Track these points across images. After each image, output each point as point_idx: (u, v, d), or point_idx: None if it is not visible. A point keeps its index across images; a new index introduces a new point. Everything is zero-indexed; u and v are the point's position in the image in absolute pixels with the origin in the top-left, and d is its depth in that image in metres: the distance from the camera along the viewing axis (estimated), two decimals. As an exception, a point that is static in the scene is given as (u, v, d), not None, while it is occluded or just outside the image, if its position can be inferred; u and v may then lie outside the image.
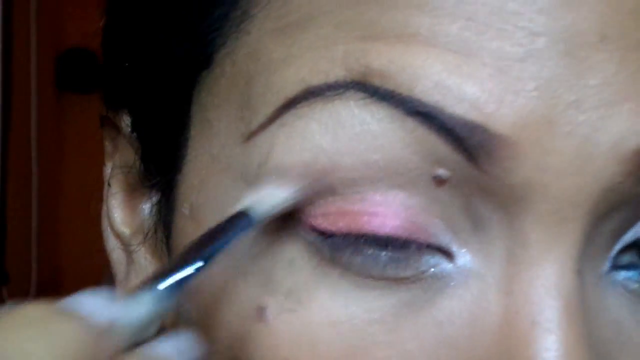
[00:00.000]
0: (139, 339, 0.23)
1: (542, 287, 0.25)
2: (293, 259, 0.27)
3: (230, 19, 0.29)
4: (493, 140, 0.25)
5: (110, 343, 0.21)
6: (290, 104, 0.27)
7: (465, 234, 0.26)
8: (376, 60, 0.25)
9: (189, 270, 0.25)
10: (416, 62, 0.25)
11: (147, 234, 0.34)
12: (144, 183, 0.34)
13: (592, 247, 0.26)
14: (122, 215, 0.35)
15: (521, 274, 0.26)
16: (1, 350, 0.19)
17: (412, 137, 0.25)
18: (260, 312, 0.27)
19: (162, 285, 0.24)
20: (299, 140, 0.26)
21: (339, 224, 0.26)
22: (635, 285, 0.28)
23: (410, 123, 0.25)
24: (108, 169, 0.36)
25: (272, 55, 0.27)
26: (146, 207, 0.34)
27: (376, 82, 0.25)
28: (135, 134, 0.34)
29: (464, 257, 0.27)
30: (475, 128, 0.25)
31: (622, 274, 0.28)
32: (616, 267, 0.28)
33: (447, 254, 0.27)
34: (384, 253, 0.26)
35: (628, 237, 0.27)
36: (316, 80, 0.26)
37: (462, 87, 0.25)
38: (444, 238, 0.26)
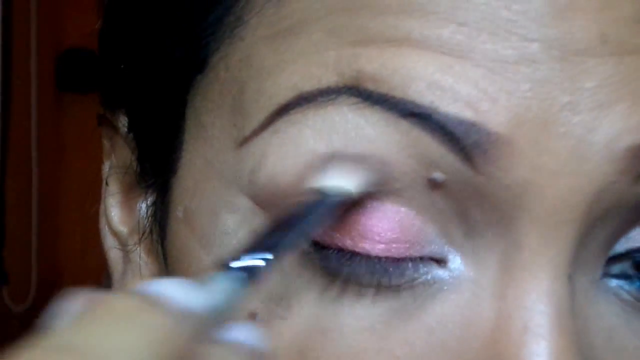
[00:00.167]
0: (216, 327, 0.22)
1: (534, 292, 0.25)
2: (284, 266, 0.27)
3: (224, 24, 0.29)
4: (488, 138, 0.25)
5: (196, 331, 0.21)
6: (283, 111, 0.27)
7: (459, 239, 0.26)
8: (368, 64, 0.25)
9: (264, 257, 0.24)
10: (408, 64, 0.25)
11: (143, 234, 0.34)
12: (140, 183, 0.34)
13: (585, 252, 0.26)
14: (120, 214, 0.35)
15: (514, 279, 0.26)
16: (99, 346, 0.18)
17: (407, 139, 0.25)
18: (251, 318, 0.27)
19: (236, 272, 0.23)
20: (292, 146, 0.26)
21: (333, 239, 0.26)
22: (627, 296, 0.28)
23: (405, 125, 0.25)
24: (106, 168, 0.36)
25: (265, 61, 0.27)
26: (142, 207, 0.34)
27: (369, 86, 0.25)
28: (131, 134, 0.34)
29: (457, 263, 0.27)
30: (470, 127, 0.25)
31: (615, 282, 0.28)
32: (608, 275, 0.28)
33: (440, 261, 0.27)
34: (376, 262, 0.26)
35: (620, 246, 0.27)
36: (308, 86, 0.26)
37: (455, 87, 0.25)
38: (438, 244, 0.26)
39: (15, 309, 1.51)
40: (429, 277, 0.27)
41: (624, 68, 0.25)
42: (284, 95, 0.27)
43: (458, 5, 0.25)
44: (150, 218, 0.34)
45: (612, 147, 0.25)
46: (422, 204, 0.26)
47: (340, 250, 0.26)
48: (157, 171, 0.33)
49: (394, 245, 0.26)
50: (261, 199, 0.27)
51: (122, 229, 0.35)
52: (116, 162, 0.36)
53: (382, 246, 0.26)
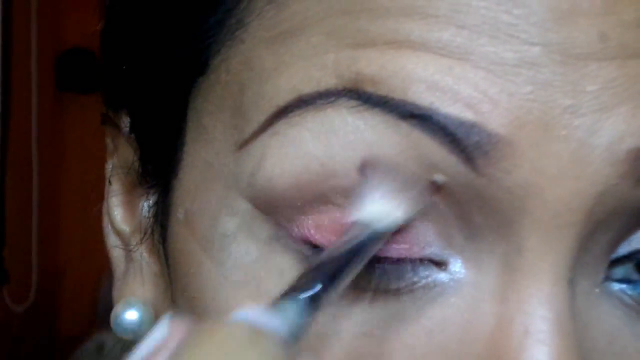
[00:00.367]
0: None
1: (535, 296, 0.25)
2: (283, 269, 0.27)
3: (225, 27, 0.29)
4: (489, 139, 0.24)
5: (290, 357, 0.22)
6: (282, 113, 0.26)
7: (460, 243, 0.26)
8: (367, 66, 0.25)
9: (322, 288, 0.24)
10: (408, 65, 0.25)
11: (144, 234, 0.34)
12: (142, 184, 0.34)
13: (586, 256, 0.26)
14: (122, 213, 0.35)
15: (516, 282, 0.26)
16: None
17: (407, 141, 0.25)
18: None
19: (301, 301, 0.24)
20: (292, 149, 0.26)
21: (332, 240, 0.26)
22: (630, 300, 0.28)
23: (405, 127, 0.25)
24: (109, 167, 0.36)
25: (265, 63, 0.27)
26: (144, 207, 0.34)
27: (368, 88, 0.25)
28: (133, 135, 0.34)
29: (457, 266, 0.26)
30: (471, 128, 0.24)
31: (617, 286, 0.28)
32: (610, 279, 0.27)
33: (441, 263, 0.27)
34: (375, 263, 0.26)
35: (622, 249, 0.27)
36: (308, 88, 0.26)
37: (455, 88, 0.25)
38: (438, 247, 0.26)
39: (15, 309, 1.52)
40: (429, 280, 0.26)
41: (625, 72, 0.25)
42: (283, 97, 0.27)
43: (458, 9, 0.25)
44: (152, 218, 0.34)
45: (613, 150, 0.25)
46: (423, 207, 0.26)
47: None
48: (158, 172, 0.33)
49: (393, 246, 0.26)
50: (260, 202, 0.27)
51: (125, 228, 0.35)
52: (119, 161, 0.36)
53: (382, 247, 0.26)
